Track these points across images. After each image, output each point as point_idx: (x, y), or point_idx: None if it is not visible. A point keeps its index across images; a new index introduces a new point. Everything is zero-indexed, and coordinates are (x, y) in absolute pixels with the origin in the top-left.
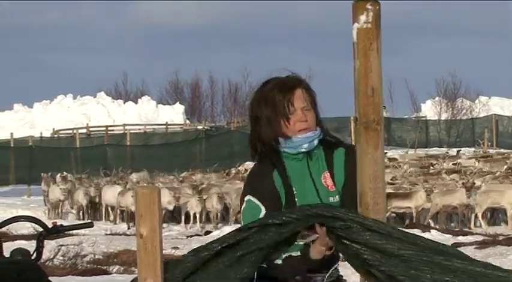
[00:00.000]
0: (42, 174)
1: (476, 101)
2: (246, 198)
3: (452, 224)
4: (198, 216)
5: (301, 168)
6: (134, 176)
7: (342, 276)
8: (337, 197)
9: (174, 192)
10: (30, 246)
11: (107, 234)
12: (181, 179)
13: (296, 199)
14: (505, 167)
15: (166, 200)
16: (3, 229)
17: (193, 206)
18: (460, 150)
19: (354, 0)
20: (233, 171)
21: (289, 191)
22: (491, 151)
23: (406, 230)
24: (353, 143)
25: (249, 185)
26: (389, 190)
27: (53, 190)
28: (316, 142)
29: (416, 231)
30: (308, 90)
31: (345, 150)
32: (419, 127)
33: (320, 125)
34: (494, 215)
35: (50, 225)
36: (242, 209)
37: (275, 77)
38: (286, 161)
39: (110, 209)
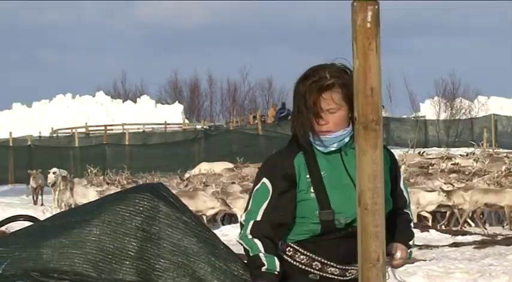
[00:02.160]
0: (29, 171)
1: (475, 101)
2: (263, 179)
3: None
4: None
5: (335, 163)
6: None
7: None
8: None
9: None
10: None
11: None
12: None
13: (327, 192)
14: (504, 167)
15: (211, 205)
16: (2, 228)
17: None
18: (424, 151)
19: (353, 0)
20: (191, 173)
21: (317, 181)
22: (490, 151)
23: None
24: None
25: (266, 165)
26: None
27: (87, 194)
28: (347, 139)
29: (415, 231)
30: (342, 86)
31: (386, 153)
32: (418, 127)
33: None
34: (492, 214)
35: None
36: (255, 190)
37: (321, 64)
38: (317, 153)
39: None
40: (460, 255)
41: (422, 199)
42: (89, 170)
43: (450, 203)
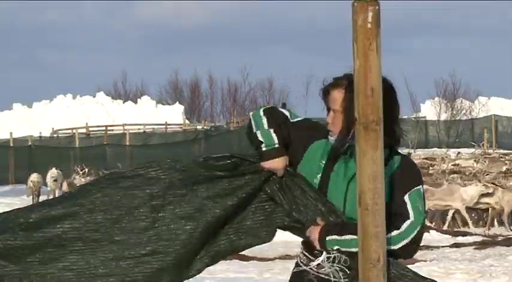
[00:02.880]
0: (30, 176)
1: (476, 102)
2: (299, 116)
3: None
4: None
5: (340, 165)
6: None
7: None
8: None
9: None
10: None
11: None
12: None
13: (329, 184)
14: (504, 168)
15: None
16: None
17: None
18: (411, 153)
19: (354, 0)
20: None
21: (327, 171)
22: (491, 151)
23: None
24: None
25: (307, 118)
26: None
27: None
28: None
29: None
30: (350, 91)
31: (400, 161)
32: (419, 127)
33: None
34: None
35: None
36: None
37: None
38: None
39: None
40: (460, 256)
41: (465, 194)
42: (80, 170)
43: (490, 191)
